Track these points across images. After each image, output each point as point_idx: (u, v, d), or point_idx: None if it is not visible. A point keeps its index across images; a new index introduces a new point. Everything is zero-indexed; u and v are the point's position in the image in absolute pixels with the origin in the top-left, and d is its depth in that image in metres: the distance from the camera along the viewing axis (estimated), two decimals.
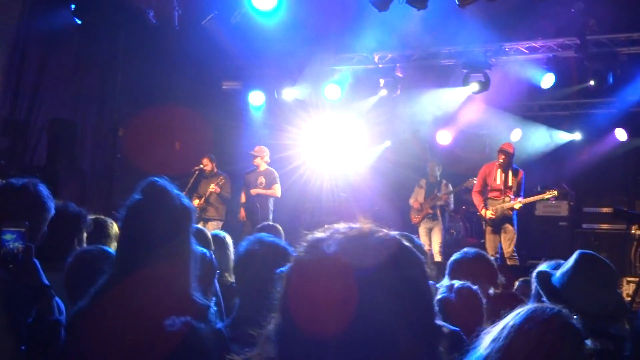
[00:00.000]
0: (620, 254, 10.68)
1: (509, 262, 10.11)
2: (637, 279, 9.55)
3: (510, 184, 10.54)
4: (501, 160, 10.51)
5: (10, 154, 10.01)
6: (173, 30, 11.22)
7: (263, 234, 3.20)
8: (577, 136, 13.52)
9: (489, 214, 10.48)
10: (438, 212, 11.61)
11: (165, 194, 2.58)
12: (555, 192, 10.58)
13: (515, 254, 10.32)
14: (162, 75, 11.44)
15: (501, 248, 10.39)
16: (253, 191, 11.34)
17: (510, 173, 10.58)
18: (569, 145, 13.55)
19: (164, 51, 11.44)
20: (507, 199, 10.45)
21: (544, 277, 3.26)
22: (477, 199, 10.80)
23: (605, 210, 11.34)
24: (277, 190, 11.42)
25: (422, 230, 11.60)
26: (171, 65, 11.72)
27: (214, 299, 3.76)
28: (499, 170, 10.62)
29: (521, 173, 10.63)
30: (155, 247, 2.49)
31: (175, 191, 2.62)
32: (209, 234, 4.81)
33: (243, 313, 2.94)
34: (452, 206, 11.74)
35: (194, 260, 2.58)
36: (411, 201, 11.93)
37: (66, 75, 11.05)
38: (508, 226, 10.43)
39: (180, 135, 12.78)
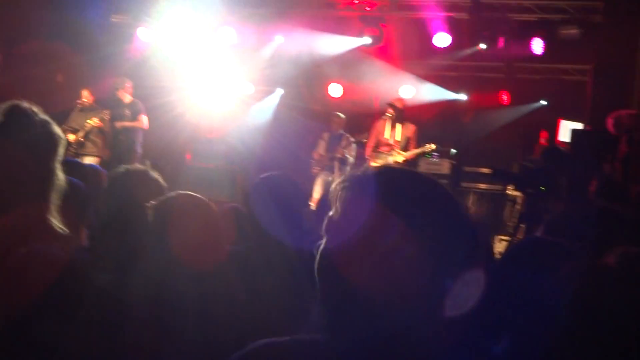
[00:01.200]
0: (495, 213, 11.09)
1: None
2: (509, 238, 9.97)
3: (398, 138, 10.69)
4: (389, 115, 10.64)
5: None
6: None
7: (124, 166, 3.13)
8: (463, 97, 13.83)
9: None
10: (336, 164, 11.62)
11: (27, 118, 2.42)
12: (433, 146, 10.74)
13: None
14: (44, 2, 10.77)
15: None
16: (118, 124, 10.95)
17: (399, 128, 10.73)
18: (455, 105, 13.85)
19: None
20: (394, 153, 10.61)
21: None
22: (368, 153, 10.93)
23: (484, 170, 11.69)
24: (143, 120, 11.07)
25: (319, 181, 11.56)
26: None
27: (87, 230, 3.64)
28: (388, 125, 10.75)
29: (412, 128, 10.76)
30: (11, 171, 2.35)
31: (41, 117, 2.46)
32: (87, 168, 4.61)
33: (102, 242, 2.85)
34: (351, 160, 11.73)
35: (57, 189, 2.46)
36: (314, 153, 11.92)
37: None
38: None
39: (64, 68, 12.19)
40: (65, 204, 2.58)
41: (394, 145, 10.66)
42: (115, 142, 10.96)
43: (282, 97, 14.34)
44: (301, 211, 3.36)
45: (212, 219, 2.62)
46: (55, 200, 2.49)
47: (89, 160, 10.44)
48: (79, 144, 10.63)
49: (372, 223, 1.30)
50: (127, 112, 11.02)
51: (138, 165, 3.13)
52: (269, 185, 3.29)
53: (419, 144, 10.78)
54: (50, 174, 2.48)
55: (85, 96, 10.87)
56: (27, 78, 11.05)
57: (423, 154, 11.06)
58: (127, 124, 10.94)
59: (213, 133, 13.47)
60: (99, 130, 10.76)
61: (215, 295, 2.43)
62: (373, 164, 10.70)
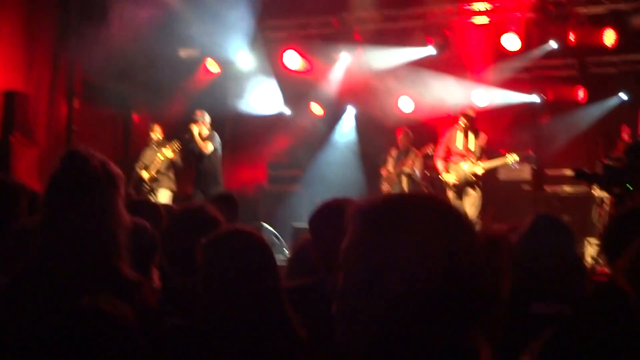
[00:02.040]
0: (583, 215, 10.71)
1: None
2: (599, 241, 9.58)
3: (472, 148, 10.45)
4: (463, 124, 10.41)
5: None
6: None
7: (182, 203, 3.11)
8: (537, 99, 13.46)
9: (452, 179, 10.39)
10: (404, 180, 11.45)
11: (85, 161, 2.42)
12: (516, 156, 10.44)
13: (478, 220, 10.23)
14: (114, 41, 10.93)
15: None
16: (187, 134, 10.56)
17: (472, 137, 10.48)
18: (530, 107, 13.50)
19: (116, 16, 11.03)
20: (469, 163, 10.36)
21: None
22: (439, 164, 10.70)
23: (566, 172, 11.34)
24: (207, 145, 10.55)
25: None
26: (126, 31, 11.28)
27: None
28: (460, 134, 10.52)
29: (484, 137, 10.53)
30: (76, 215, 2.35)
31: (98, 158, 2.47)
32: (152, 207, 4.56)
33: (172, 284, 2.81)
34: (418, 174, 11.54)
35: (124, 230, 2.44)
36: (382, 170, 11.80)
37: (17, 44, 10.60)
38: (471, 190, 10.34)
39: (138, 106, 12.47)
40: (134, 245, 2.56)
41: (468, 155, 10.40)
42: (198, 172, 10.83)
43: (353, 115, 14.36)
44: None
45: (257, 254, 2.52)
46: (123, 241, 2.48)
47: (163, 194, 10.54)
48: (153, 180, 10.67)
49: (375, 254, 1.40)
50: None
51: (196, 202, 3.11)
52: (329, 211, 3.12)
53: (488, 153, 10.52)
54: (115, 214, 2.47)
55: (157, 131, 10.97)
56: (103, 117, 11.35)
57: (504, 164, 10.74)
58: (197, 138, 10.54)
59: (288, 157, 13.57)
60: (171, 162, 10.75)
61: (273, 335, 2.34)
62: (445, 174, 10.49)
